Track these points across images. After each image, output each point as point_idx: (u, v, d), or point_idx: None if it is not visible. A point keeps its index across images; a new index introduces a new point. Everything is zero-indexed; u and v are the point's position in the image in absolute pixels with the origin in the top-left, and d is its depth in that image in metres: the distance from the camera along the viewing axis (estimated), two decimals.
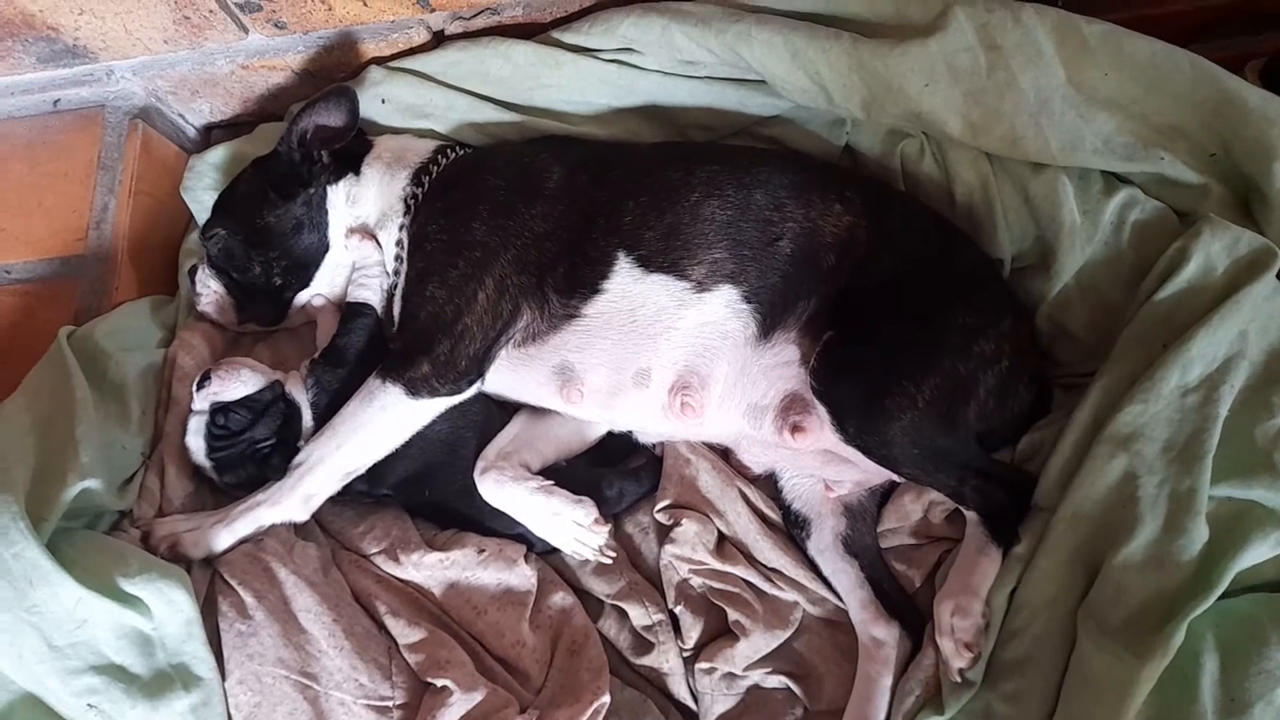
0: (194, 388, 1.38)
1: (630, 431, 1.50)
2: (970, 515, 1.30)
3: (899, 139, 1.49)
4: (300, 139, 1.49)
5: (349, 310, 1.49)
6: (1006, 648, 1.23)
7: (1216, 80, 1.34)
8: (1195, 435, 1.21)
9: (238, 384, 1.37)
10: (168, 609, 1.22)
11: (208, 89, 1.69)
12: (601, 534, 1.35)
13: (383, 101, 1.58)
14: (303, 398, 1.41)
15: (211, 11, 1.51)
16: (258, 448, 1.36)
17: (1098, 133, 1.35)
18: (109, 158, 1.62)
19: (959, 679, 1.23)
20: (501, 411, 1.48)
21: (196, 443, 1.37)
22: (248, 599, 1.26)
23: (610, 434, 1.51)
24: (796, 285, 1.35)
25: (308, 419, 1.40)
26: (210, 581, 1.31)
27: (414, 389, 1.35)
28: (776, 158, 1.46)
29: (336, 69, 1.64)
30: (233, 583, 1.28)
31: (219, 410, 1.36)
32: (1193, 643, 1.12)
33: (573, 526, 1.34)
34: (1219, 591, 1.13)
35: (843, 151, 1.54)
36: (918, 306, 1.33)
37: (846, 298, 1.34)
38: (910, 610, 1.33)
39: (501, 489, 1.36)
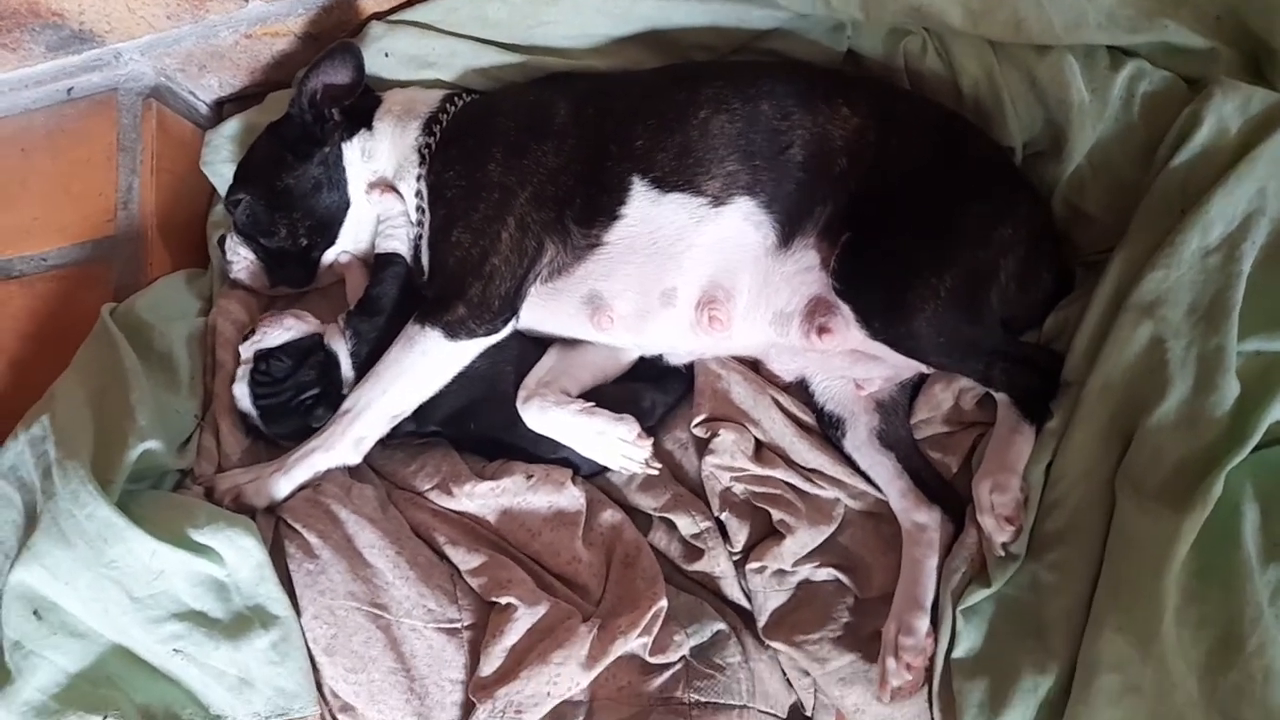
0: (243, 340, 1.43)
1: (660, 355, 1.53)
2: (1001, 397, 1.33)
3: (900, 37, 1.49)
4: (310, 99, 1.52)
5: (379, 261, 1.53)
6: (1047, 519, 1.26)
7: None
8: (1219, 294, 1.23)
9: (280, 330, 1.43)
10: (238, 555, 1.27)
11: (214, 62, 1.72)
12: (646, 447, 1.39)
13: (386, 55, 1.60)
14: (341, 347, 1.45)
15: None
16: (302, 399, 1.41)
17: (1100, 7, 1.35)
18: (127, 139, 1.66)
19: (1003, 553, 1.26)
20: (537, 345, 1.51)
21: (242, 390, 1.43)
22: (312, 539, 1.32)
23: (641, 359, 1.55)
24: (811, 191, 1.37)
25: (347, 368, 1.45)
26: (275, 528, 1.36)
27: (452, 331, 1.39)
28: (780, 68, 1.47)
29: (338, 29, 1.66)
30: (297, 526, 1.33)
31: (262, 357, 1.41)
32: (1231, 494, 1.15)
33: (618, 443, 1.38)
34: (1254, 442, 1.15)
35: (845, 57, 1.54)
36: (933, 200, 1.34)
37: (862, 199, 1.35)
38: (950, 495, 1.37)
39: (545, 415, 1.40)
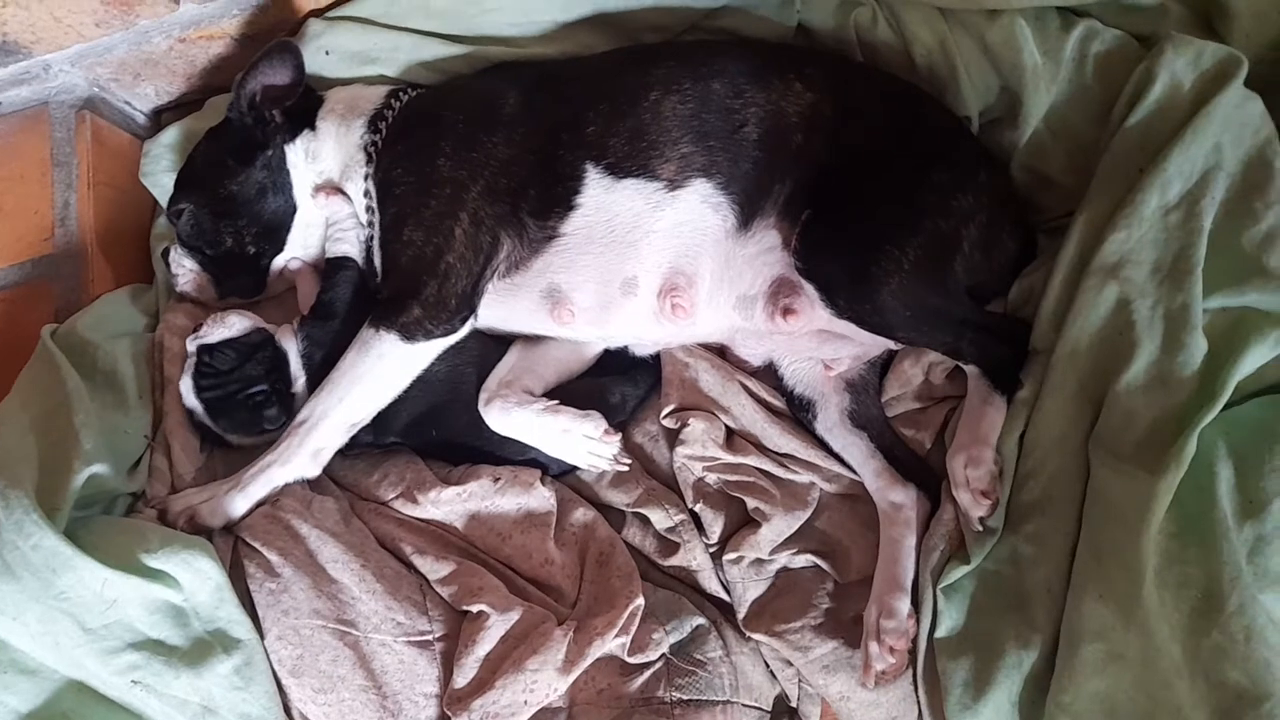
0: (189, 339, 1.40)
1: (626, 347, 1.50)
2: (970, 369, 1.31)
3: (850, 9, 1.46)
4: (250, 102, 1.47)
5: (330, 265, 1.48)
6: (1023, 490, 1.25)
7: None
8: (1182, 252, 1.21)
9: (222, 328, 1.40)
10: (195, 578, 1.22)
11: (149, 70, 1.66)
12: (613, 443, 1.35)
13: (326, 53, 1.55)
14: (292, 346, 1.41)
15: None
16: (250, 393, 1.37)
17: None
18: (61, 154, 1.60)
19: (980, 527, 1.24)
20: (498, 344, 1.47)
21: (186, 384, 1.38)
22: (273, 557, 1.27)
23: (607, 351, 1.51)
24: (769, 169, 1.34)
25: (296, 367, 1.40)
26: (234, 548, 1.31)
27: (408, 333, 1.34)
28: (731, 46, 1.44)
29: (275, 28, 1.61)
30: (256, 544, 1.29)
31: (206, 350, 1.37)
32: (1205, 453, 1.14)
33: (584, 440, 1.35)
34: (1224, 399, 1.14)
35: (796, 32, 1.52)
36: (891, 172, 1.32)
37: (820, 175, 1.33)
38: (924, 472, 1.35)
39: (508, 416, 1.36)
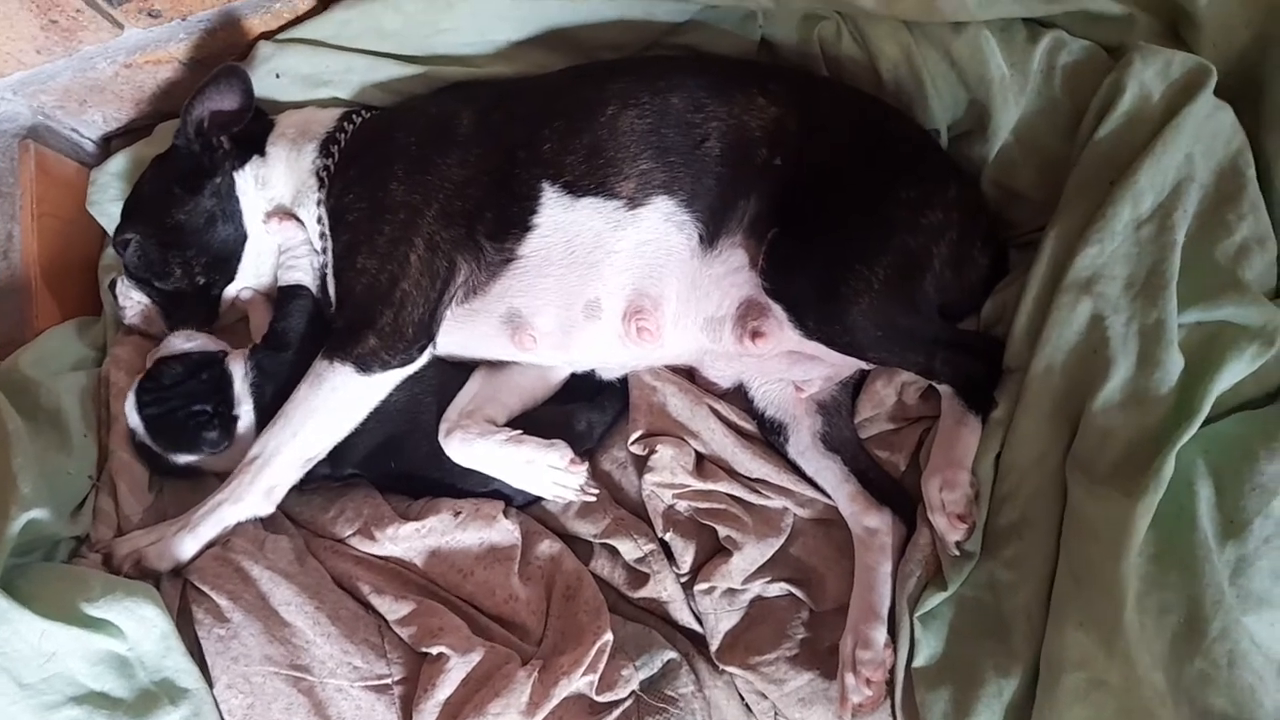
0: None
1: (592, 371, 1.46)
2: (944, 389, 1.28)
3: (814, 23, 1.43)
4: (197, 128, 1.42)
5: (283, 294, 1.44)
6: (1000, 513, 1.21)
7: None
8: (1155, 266, 1.19)
9: (182, 339, 1.39)
10: (140, 626, 1.17)
11: (95, 97, 1.61)
12: (580, 473, 1.31)
13: (277, 76, 1.51)
14: (239, 370, 1.37)
15: (79, 10, 1.42)
16: (192, 411, 1.33)
17: None
18: (3, 184, 1.54)
19: (957, 552, 1.20)
20: (458, 371, 1.42)
21: (130, 401, 1.35)
22: (222, 602, 1.22)
23: (574, 376, 1.47)
24: (733, 186, 1.30)
25: (240, 389, 1.36)
26: (182, 592, 1.26)
27: (363, 365, 1.30)
28: (690, 60, 1.42)
29: (224, 52, 1.56)
30: (205, 588, 1.23)
31: (156, 363, 1.35)
32: (1184, 472, 1.11)
33: (549, 471, 1.30)
34: (1202, 417, 1.11)
35: (760, 47, 1.48)
36: (859, 189, 1.28)
37: (786, 192, 1.29)
38: (899, 495, 1.31)
39: (469, 447, 1.32)
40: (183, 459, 1.35)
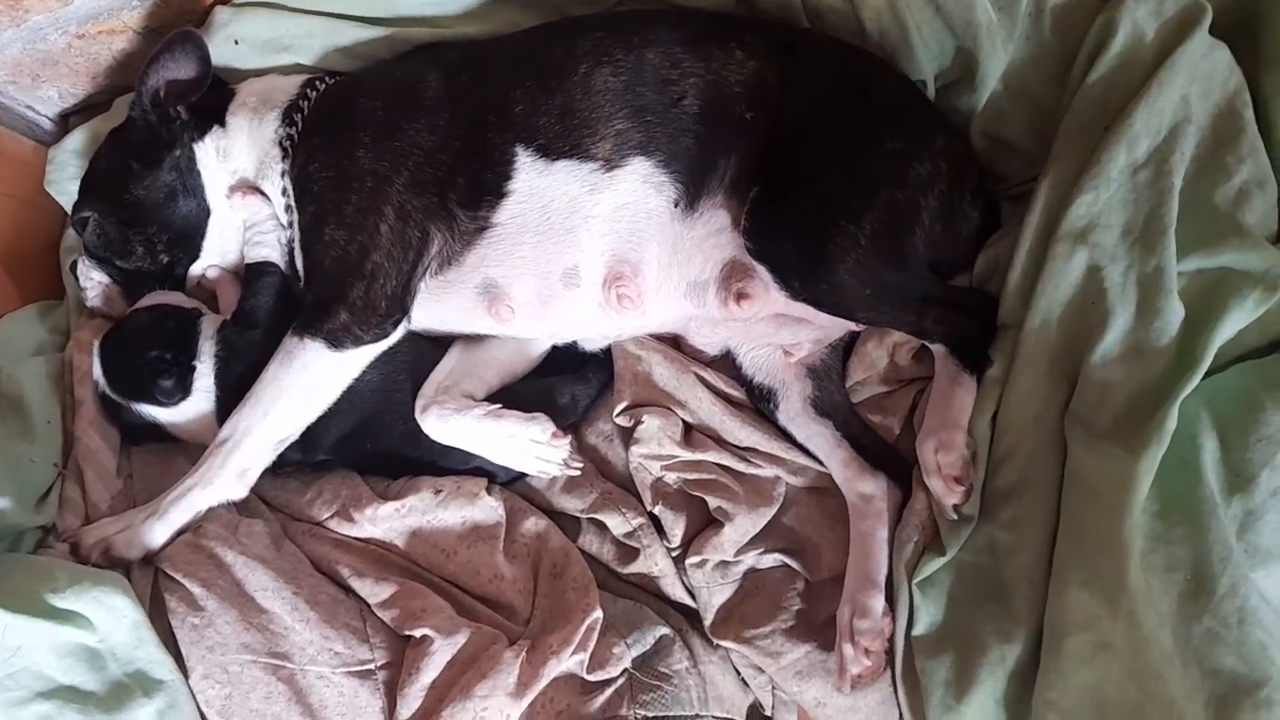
0: None
1: (574, 342, 1.41)
2: (937, 348, 1.23)
3: None
4: (153, 99, 1.36)
5: (250, 271, 1.38)
6: (998, 474, 1.17)
7: None
8: (1153, 212, 1.14)
9: (144, 300, 1.38)
10: (110, 617, 1.13)
11: (48, 70, 1.54)
12: (563, 447, 1.26)
13: (236, 43, 1.44)
14: (208, 330, 1.33)
15: None
16: (149, 359, 1.29)
17: None
18: None
19: (955, 516, 1.17)
20: (434, 346, 1.38)
21: (95, 347, 1.32)
22: (195, 590, 1.17)
23: (556, 348, 1.42)
24: (713, 144, 1.25)
25: (204, 345, 1.32)
26: (154, 581, 1.21)
27: (335, 341, 1.25)
28: (666, 14, 1.35)
29: (180, 19, 1.49)
30: (177, 576, 1.19)
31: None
32: (1187, 425, 1.07)
33: (531, 445, 1.26)
34: (1204, 367, 1.07)
35: (737, 1, 1.42)
36: (843, 143, 1.23)
37: (768, 149, 1.24)
38: (894, 459, 1.27)
39: (446, 423, 1.27)
40: (143, 410, 1.30)
